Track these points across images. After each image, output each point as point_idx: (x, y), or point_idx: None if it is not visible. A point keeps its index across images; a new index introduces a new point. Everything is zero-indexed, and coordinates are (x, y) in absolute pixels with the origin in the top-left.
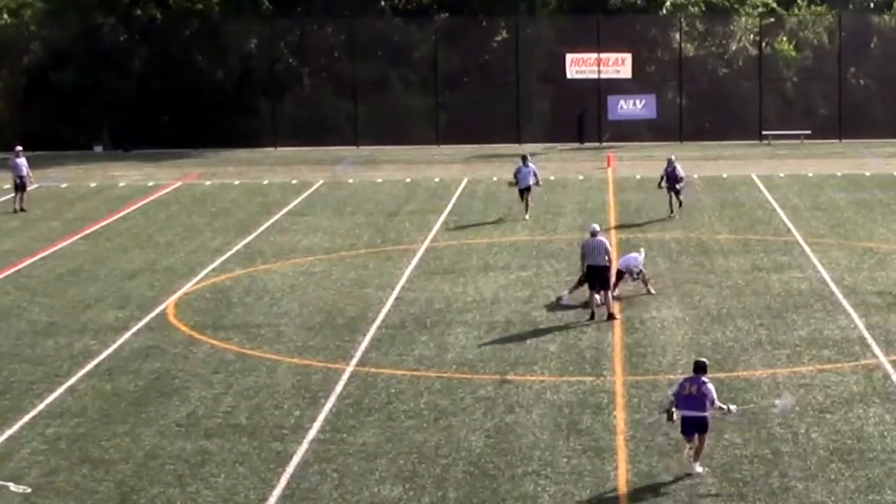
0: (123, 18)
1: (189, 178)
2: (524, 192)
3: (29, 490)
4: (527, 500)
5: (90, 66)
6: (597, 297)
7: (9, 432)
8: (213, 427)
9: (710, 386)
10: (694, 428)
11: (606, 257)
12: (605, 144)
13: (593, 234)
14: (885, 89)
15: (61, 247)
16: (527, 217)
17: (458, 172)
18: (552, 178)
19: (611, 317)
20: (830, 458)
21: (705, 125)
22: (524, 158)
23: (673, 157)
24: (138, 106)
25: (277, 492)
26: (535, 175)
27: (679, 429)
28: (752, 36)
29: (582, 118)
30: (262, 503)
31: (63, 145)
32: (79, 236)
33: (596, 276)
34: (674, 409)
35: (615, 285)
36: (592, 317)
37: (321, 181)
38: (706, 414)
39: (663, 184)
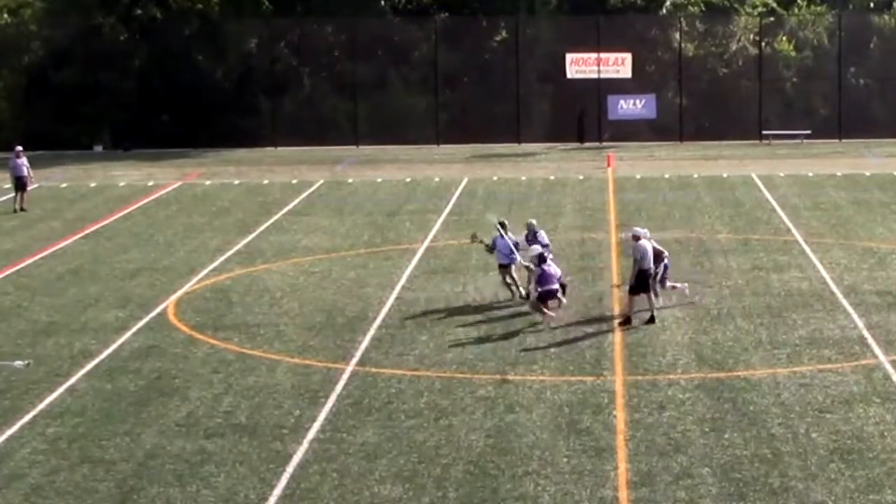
0: (123, 18)
1: (189, 178)
2: (502, 268)
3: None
4: (527, 500)
5: (90, 65)
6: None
7: (9, 432)
8: (213, 427)
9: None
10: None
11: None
12: (605, 144)
13: (643, 237)
14: (884, 89)
15: (61, 246)
16: (511, 300)
17: (458, 172)
18: (552, 177)
19: (627, 320)
20: (830, 458)
21: (705, 125)
22: (502, 226)
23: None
24: (138, 106)
25: (277, 492)
26: (515, 249)
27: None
28: (751, 36)
29: (582, 118)
30: (262, 503)
31: (63, 145)
32: (79, 236)
33: (647, 279)
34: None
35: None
36: (653, 320)
37: (321, 181)
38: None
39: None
